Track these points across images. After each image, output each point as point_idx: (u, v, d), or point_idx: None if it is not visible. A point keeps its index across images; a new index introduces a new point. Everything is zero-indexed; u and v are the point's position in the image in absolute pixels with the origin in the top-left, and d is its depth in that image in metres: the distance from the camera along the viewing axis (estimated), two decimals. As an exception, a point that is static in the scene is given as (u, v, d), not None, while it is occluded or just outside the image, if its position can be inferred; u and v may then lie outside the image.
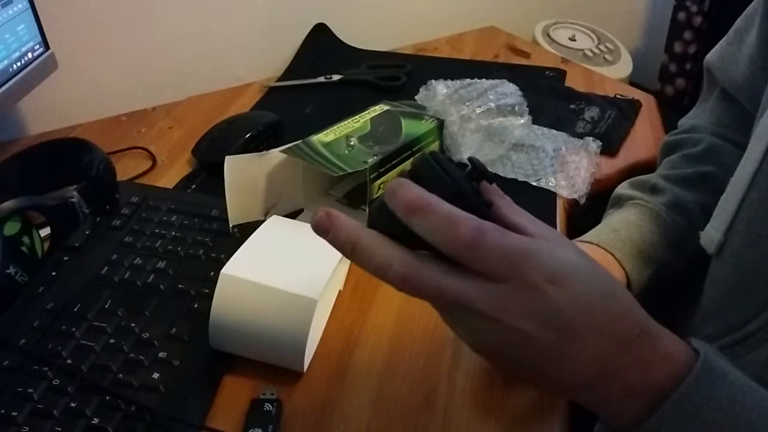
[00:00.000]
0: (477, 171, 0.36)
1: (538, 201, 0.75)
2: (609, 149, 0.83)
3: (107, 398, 0.49)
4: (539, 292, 0.33)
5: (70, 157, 0.69)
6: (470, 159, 0.36)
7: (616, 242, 0.59)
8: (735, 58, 0.64)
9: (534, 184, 0.77)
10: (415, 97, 0.83)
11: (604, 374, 0.35)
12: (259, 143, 0.80)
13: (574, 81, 1.01)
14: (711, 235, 0.51)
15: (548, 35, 1.39)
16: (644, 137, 0.89)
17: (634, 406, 0.35)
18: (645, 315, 0.36)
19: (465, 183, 0.35)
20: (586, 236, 0.62)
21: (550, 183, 0.77)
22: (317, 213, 0.35)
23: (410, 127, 0.71)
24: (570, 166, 0.79)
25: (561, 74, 1.03)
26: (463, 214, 0.33)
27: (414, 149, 0.70)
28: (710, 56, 0.68)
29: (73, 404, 0.48)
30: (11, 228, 0.59)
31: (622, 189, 0.67)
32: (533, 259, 0.33)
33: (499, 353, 0.35)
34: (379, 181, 0.66)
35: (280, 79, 1.00)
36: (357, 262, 0.34)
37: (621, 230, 0.61)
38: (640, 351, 0.35)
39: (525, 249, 0.33)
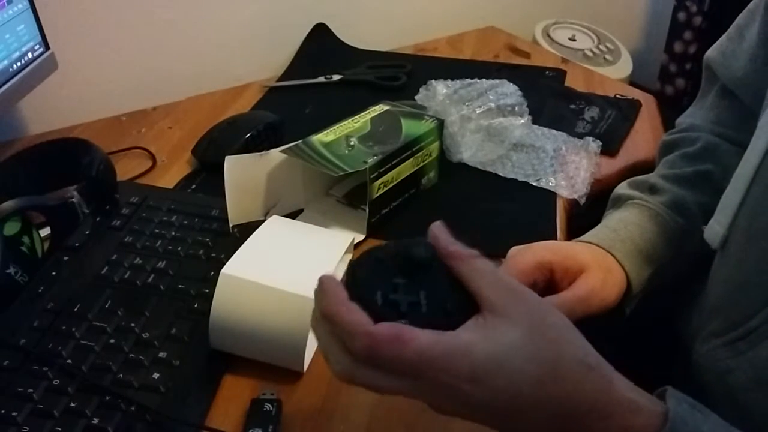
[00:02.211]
0: (410, 264, 0.38)
1: (538, 201, 0.75)
2: (609, 149, 0.83)
3: (107, 398, 0.49)
4: (455, 389, 0.34)
5: (70, 157, 0.69)
6: (408, 252, 0.38)
7: (615, 242, 0.59)
8: (736, 53, 0.64)
9: (534, 184, 0.77)
10: (415, 97, 0.83)
11: None
12: (259, 143, 0.80)
13: (574, 81, 1.01)
14: (715, 229, 0.50)
15: (548, 35, 1.39)
16: (644, 137, 0.89)
17: None
18: (600, 390, 0.36)
19: (380, 289, 0.37)
20: (585, 236, 0.62)
21: (550, 183, 0.77)
22: (320, 279, 0.38)
23: (410, 127, 0.71)
24: (570, 166, 0.79)
25: (561, 74, 1.03)
26: (360, 326, 0.34)
27: (414, 149, 0.70)
28: (710, 52, 0.68)
29: (73, 404, 0.48)
30: (11, 228, 0.59)
31: (621, 189, 0.67)
32: (440, 363, 0.34)
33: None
34: (379, 181, 0.66)
35: (280, 79, 1.00)
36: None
37: (620, 230, 0.61)
38: (588, 428, 0.35)
39: (428, 356, 0.34)
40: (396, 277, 0.37)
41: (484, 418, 0.36)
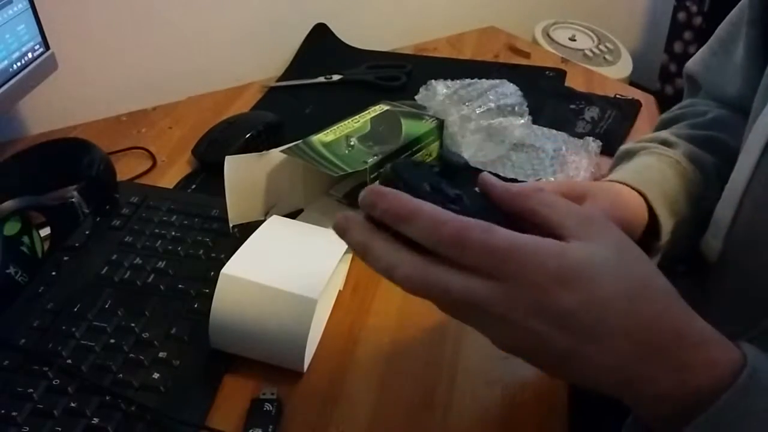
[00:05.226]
0: (447, 168, 0.36)
1: (538, 201, 0.75)
2: (609, 149, 0.83)
3: (107, 398, 0.49)
4: (545, 292, 0.32)
5: (70, 157, 0.69)
6: (444, 157, 0.36)
7: (641, 182, 0.53)
8: (722, 69, 0.62)
9: (534, 184, 0.77)
10: (415, 97, 0.83)
11: (631, 379, 0.33)
12: (259, 143, 0.80)
13: (574, 81, 1.01)
14: (710, 243, 0.50)
15: (548, 35, 1.39)
16: (644, 137, 0.89)
17: (669, 410, 0.34)
18: (686, 318, 0.34)
19: (433, 182, 0.35)
20: (608, 177, 0.57)
21: (550, 183, 0.77)
22: (337, 217, 0.36)
23: (410, 127, 0.71)
24: (570, 166, 0.79)
25: (561, 74, 1.03)
26: (448, 214, 0.33)
27: (414, 149, 0.70)
28: (692, 65, 0.66)
29: (73, 404, 0.48)
30: (11, 228, 0.59)
31: (630, 144, 0.61)
32: (531, 258, 0.32)
33: (519, 352, 0.34)
34: (379, 181, 0.66)
35: (280, 79, 1.00)
36: (368, 264, 0.35)
37: (644, 173, 0.55)
38: (674, 357, 0.33)
39: (519, 247, 0.32)
40: (435, 177, 0.36)
41: (561, 339, 0.32)
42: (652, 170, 0.55)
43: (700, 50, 0.66)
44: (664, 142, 0.59)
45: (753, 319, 0.45)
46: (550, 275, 0.32)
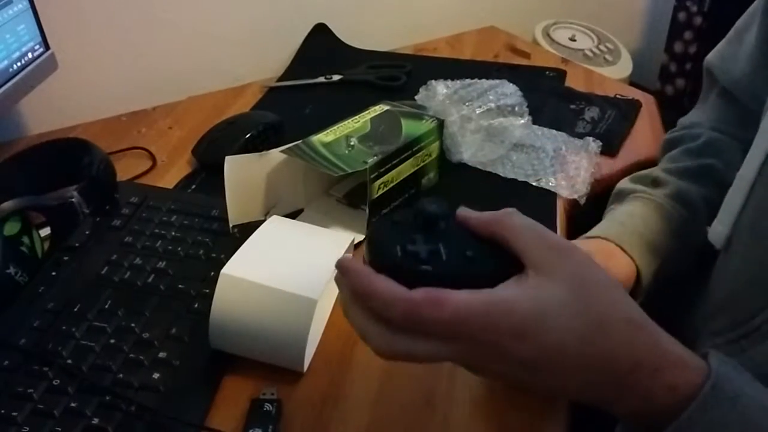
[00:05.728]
0: (425, 220, 0.38)
1: (538, 201, 0.75)
2: (609, 149, 0.83)
3: (107, 398, 0.49)
4: (501, 346, 0.34)
5: (70, 157, 0.69)
6: (421, 209, 0.38)
7: (623, 235, 0.59)
8: (735, 56, 0.64)
9: (534, 184, 0.77)
10: (415, 97, 0.83)
11: (599, 401, 0.37)
12: (259, 143, 0.80)
13: (574, 81, 1.01)
14: (718, 230, 0.51)
15: (548, 35, 1.39)
16: (644, 137, 0.89)
17: (643, 422, 0.37)
18: (649, 344, 0.36)
19: (404, 252, 0.37)
20: (591, 232, 0.62)
21: (550, 183, 0.77)
22: (338, 263, 0.38)
23: (410, 127, 0.71)
24: (570, 166, 0.79)
25: (561, 74, 1.03)
26: (398, 294, 0.34)
27: (414, 149, 0.70)
28: (710, 57, 0.69)
29: (73, 404, 0.48)
30: (11, 228, 0.59)
31: (624, 184, 0.67)
32: (480, 320, 0.34)
33: (500, 382, 0.38)
34: (379, 181, 0.66)
35: (280, 80, 1.00)
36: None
37: (626, 223, 0.61)
38: (633, 385, 0.35)
39: (469, 315, 0.34)
40: (413, 233, 0.38)
41: (526, 377, 0.36)
42: (634, 218, 0.61)
43: (719, 43, 0.69)
44: (654, 182, 0.65)
45: (759, 306, 0.46)
46: (503, 332, 0.34)
